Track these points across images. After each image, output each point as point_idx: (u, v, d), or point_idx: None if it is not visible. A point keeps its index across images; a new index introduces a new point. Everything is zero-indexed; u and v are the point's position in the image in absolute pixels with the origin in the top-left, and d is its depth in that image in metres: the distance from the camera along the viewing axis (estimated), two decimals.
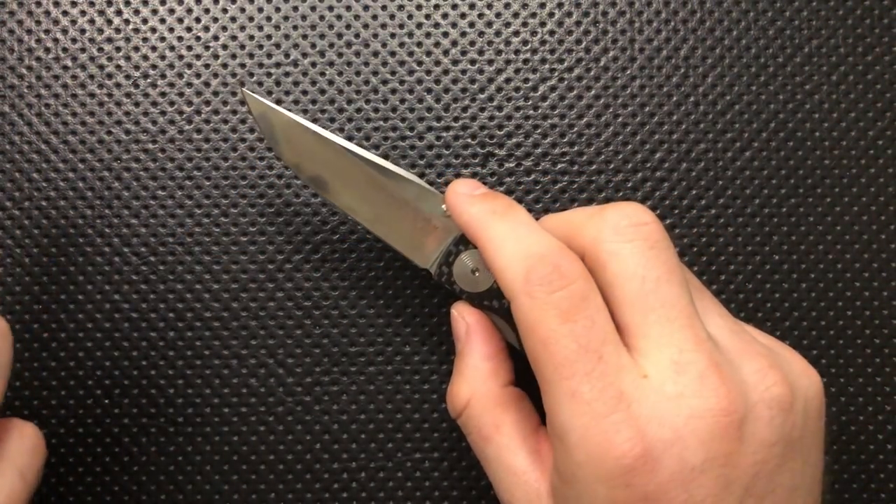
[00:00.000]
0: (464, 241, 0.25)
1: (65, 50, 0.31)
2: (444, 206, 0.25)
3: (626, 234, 0.21)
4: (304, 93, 0.31)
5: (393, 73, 0.31)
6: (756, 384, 0.20)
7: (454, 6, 0.31)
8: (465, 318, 0.25)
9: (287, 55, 0.31)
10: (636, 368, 0.20)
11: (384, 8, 0.31)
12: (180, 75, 0.31)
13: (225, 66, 0.31)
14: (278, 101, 0.31)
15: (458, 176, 0.31)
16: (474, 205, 0.24)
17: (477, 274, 0.25)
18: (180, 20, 0.31)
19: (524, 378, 0.24)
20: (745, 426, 0.20)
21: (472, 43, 0.31)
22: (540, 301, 0.21)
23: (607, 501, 0.20)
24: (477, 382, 0.24)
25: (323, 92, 0.31)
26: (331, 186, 0.26)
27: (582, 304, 0.20)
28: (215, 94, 0.31)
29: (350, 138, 0.31)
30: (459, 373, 0.25)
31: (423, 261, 0.26)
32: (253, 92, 0.31)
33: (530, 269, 0.21)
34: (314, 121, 0.31)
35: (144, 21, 0.31)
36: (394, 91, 0.31)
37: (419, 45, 0.31)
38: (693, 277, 0.24)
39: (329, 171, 0.26)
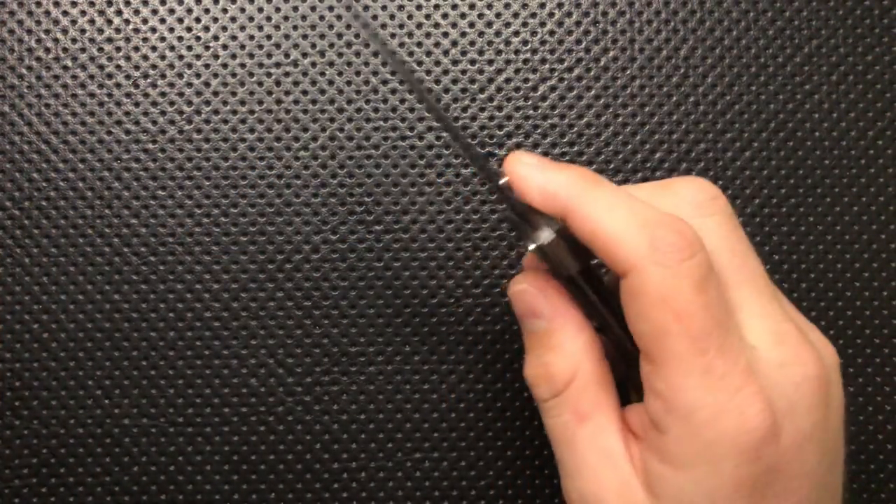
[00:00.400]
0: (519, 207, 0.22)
1: (65, 50, 0.31)
2: (502, 181, 0.22)
3: (707, 209, 0.21)
4: (305, 93, 0.31)
5: (393, 73, 0.31)
6: (827, 351, 0.21)
7: (454, 6, 0.31)
8: (544, 292, 0.22)
9: (287, 55, 0.31)
10: (748, 341, 0.20)
11: (384, 8, 0.31)
12: (180, 75, 0.31)
13: (225, 66, 0.31)
14: (278, 102, 0.31)
15: (457, 176, 0.31)
16: (556, 176, 0.21)
17: (544, 230, 0.22)
18: (180, 20, 0.31)
19: None
20: (831, 391, 0.20)
21: (472, 43, 0.31)
22: (673, 270, 0.19)
23: (733, 479, 0.19)
24: (580, 356, 0.22)
25: (323, 92, 0.31)
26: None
27: (710, 274, 0.20)
28: (215, 94, 0.31)
29: (350, 138, 0.31)
30: (553, 348, 0.22)
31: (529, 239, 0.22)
32: (257, 88, 0.31)
33: (655, 236, 0.19)
34: (314, 121, 0.31)
35: (144, 21, 0.31)
36: (394, 91, 0.31)
37: (419, 45, 0.31)
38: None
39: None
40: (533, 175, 0.21)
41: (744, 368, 0.19)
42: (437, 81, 0.31)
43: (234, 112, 0.31)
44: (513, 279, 0.23)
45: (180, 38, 0.31)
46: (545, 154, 0.31)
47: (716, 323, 0.19)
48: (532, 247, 0.22)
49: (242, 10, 0.31)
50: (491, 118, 0.31)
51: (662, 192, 0.21)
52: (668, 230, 0.19)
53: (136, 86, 0.31)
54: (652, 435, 0.20)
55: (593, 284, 0.22)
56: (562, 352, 0.22)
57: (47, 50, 0.31)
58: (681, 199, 0.21)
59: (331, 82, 0.31)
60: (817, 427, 0.20)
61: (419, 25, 0.31)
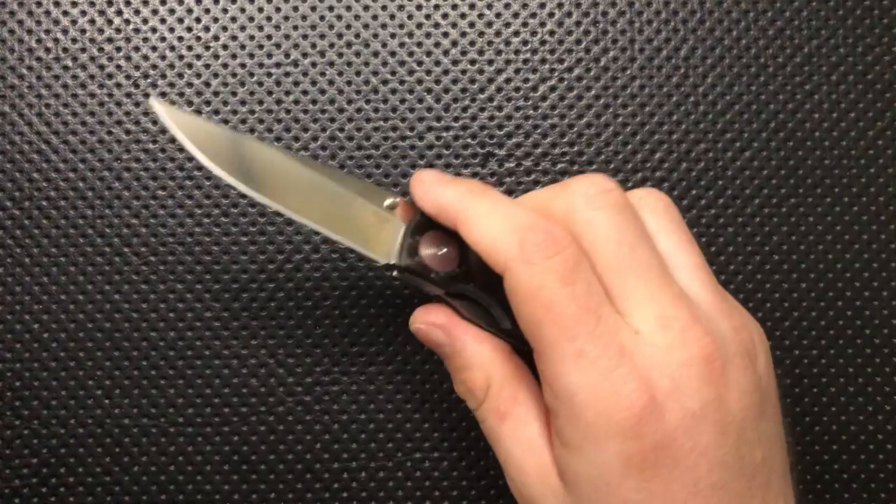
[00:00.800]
0: (418, 230, 0.24)
1: (65, 50, 0.31)
2: (387, 201, 0.25)
3: (597, 202, 0.22)
4: (305, 93, 0.31)
5: (393, 73, 0.31)
6: (733, 338, 0.22)
7: (454, 6, 0.31)
8: (434, 321, 0.25)
9: (287, 55, 0.31)
10: (629, 326, 0.21)
11: (384, 8, 0.31)
12: (180, 75, 0.31)
13: (225, 66, 0.31)
14: (278, 102, 0.31)
15: (458, 175, 0.31)
16: (447, 187, 0.24)
17: (444, 251, 0.24)
18: (180, 20, 0.31)
19: None
20: (727, 373, 0.21)
21: (472, 43, 0.31)
22: (539, 267, 0.21)
23: (619, 458, 0.20)
24: (487, 365, 0.24)
25: (323, 92, 0.31)
26: (273, 192, 0.25)
27: (577, 267, 0.21)
28: (216, 94, 0.31)
29: (350, 138, 0.31)
30: (463, 366, 0.24)
31: (383, 255, 0.25)
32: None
33: (524, 238, 0.21)
34: (314, 121, 0.31)
35: (145, 21, 0.31)
36: (394, 91, 0.31)
37: (419, 45, 0.31)
38: (687, 231, 0.24)
39: (269, 176, 0.25)
40: (428, 191, 0.24)
41: (616, 351, 0.20)
42: (438, 81, 0.31)
43: (234, 112, 0.31)
44: (410, 317, 0.25)
45: (180, 38, 0.31)
46: (545, 154, 0.31)
47: (585, 311, 0.21)
48: (390, 261, 0.24)
49: (242, 10, 0.31)
50: (491, 118, 0.31)
51: (559, 191, 0.23)
52: (536, 232, 0.21)
53: (137, 86, 0.31)
54: (552, 420, 0.22)
55: (478, 296, 0.24)
56: (471, 366, 0.24)
57: (48, 50, 0.31)
58: (574, 194, 0.22)
59: (331, 82, 0.31)
60: (709, 406, 0.20)
61: (419, 25, 0.31)
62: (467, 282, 0.24)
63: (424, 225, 0.24)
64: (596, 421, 0.20)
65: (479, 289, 0.24)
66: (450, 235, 0.24)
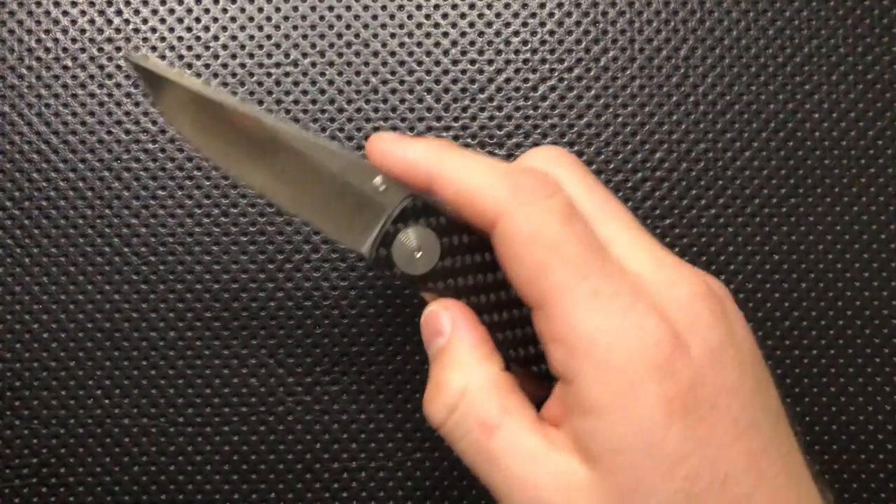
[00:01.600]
0: (403, 219, 0.22)
1: (65, 50, 0.31)
2: (377, 180, 0.22)
3: (556, 162, 0.22)
4: (305, 93, 0.31)
5: (393, 73, 0.31)
6: (711, 279, 0.21)
7: (454, 6, 0.31)
8: (447, 309, 0.22)
9: (287, 55, 0.31)
10: (629, 268, 0.20)
11: (384, 8, 0.31)
12: None
13: (225, 66, 0.31)
14: (278, 102, 0.31)
15: None
16: (415, 143, 0.22)
17: (419, 255, 0.23)
18: (180, 20, 0.31)
19: None
20: (725, 307, 0.20)
21: (472, 43, 0.31)
22: (539, 207, 0.20)
23: (660, 403, 0.18)
24: (473, 368, 0.21)
25: (323, 92, 0.31)
26: (239, 164, 0.22)
27: (574, 209, 0.20)
28: None
29: (350, 139, 0.31)
30: (447, 365, 0.22)
31: (354, 243, 0.23)
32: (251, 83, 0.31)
33: (516, 181, 0.20)
34: (314, 121, 0.31)
35: (144, 21, 0.31)
36: (394, 91, 0.31)
37: (419, 45, 0.31)
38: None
39: (237, 145, 0.22)
40: (393, 149, 0.22)
41: (631, 287, 0.19)
42: (437, 81, 0.31)
43: None
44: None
45: (180, 38, 0.31)
46: None
47: (591, 249, 0.19)
48: (362, 249, 0.23)
49: (242, 10, 0.31)
50: (491, 118, 0.31)
51: (519, 163, 0.22)
52: (527, 175, 0.20)
53: (136, 86, 0.31)
54: (568, 399, 0.19)
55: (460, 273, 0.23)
56: (451, 368, 0.22)
57: (47, 50, 0.31)
58: (535, 160, 0.22)
59: (331, 82, 0.31)
60: (725, 341, 0.19)
61: (419, 25, 0.31)
62: (445, 280, 0.23)
63: (406, 216, 0.23)
64: (626, 365, 0.18)
65: (456, 292, 0.23)
66: (430, 234, 0.23)
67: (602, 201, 0.21)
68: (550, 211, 0.20)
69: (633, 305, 0.19)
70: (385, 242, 0.23)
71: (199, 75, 0.31)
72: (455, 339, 0.22)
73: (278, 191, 0.23)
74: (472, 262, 0.22)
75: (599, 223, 0.21)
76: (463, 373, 0.21)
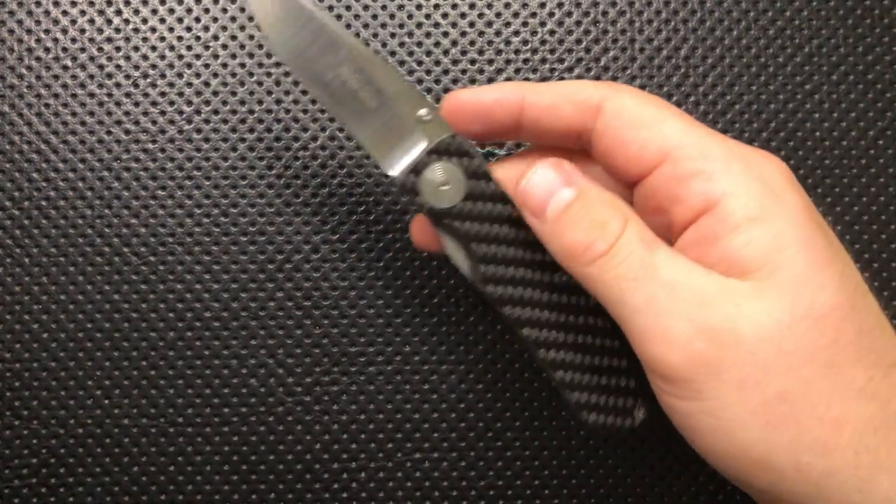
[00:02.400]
0: (437, 152, 0.24)
1: (64, 50, 0.31)
2: (423, 111, 0.24)
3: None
4: (305, 92, 0.31)
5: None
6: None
7: (454, 6, 0.31)
8: (562, 165, 0.22)
9: None
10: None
11: (384, 8, 0.31)
12: (180, 75, 0.31)
13: (225, 66, 0.31)
14: (278, 102, 0.31)
15: None
16: (496, 86, 0.24)
17: (446, 188, 0.24)
18: (180, 20, 0.31)
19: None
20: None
21: (472, 43, 0.31)
22: (642, 92, 0.23)
23: (802, 205, 0.21)
24: (621, 204, 0.22)
25: None
26: (315, 62, 0.24)
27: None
28: (215, 93, 0.31)
29: (350, 138, 0.31)
30: (595, 206, 0.21)
31: (387, 165, 0.24)
32: (259, 87, 0.31)
33: (611, 84, 0.23)
34: (314, 121, 0.31)
35: (144, 21, 0.31)
36: None
37: (419, 45, 0.31)
38: None
39: (316, 46, 0.24)
40: (478, 91, 0.24)
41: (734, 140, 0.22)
42: (437, 81, 0.31)
43: (234, 112, 0.31)
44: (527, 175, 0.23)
45: (180, 38, 0.31)
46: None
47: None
48: (393, 172, 0.24)
49: (242, 9, 0.31)
50: None
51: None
52: (619, 84, 0.23)
53: (136, 85, 0.31)
54: (712, 226, 0.21)
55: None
56: (607, 203, 0.22)
57: (47, 50, 0.31)
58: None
59: None
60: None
61: (419, 25, 0.31)
62: (463, 220, 0.24)
63: (441, 152, 0.24)
64: (768, 178, 0.21)
65: (471, 235, 0.24)
66: (460, 170, 0.24)
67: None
68: (650, 95, 0.22)
69: (749, 144, 0.22)
70: (416, 170, 0.24)
71: (198, 75, 0.31)
72: (589, 186, 0.22)
73: (335, 97, 0.24)
74: (493, 210, 0.24)
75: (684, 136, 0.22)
76: (619, 206, 0.22)
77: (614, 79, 0.31)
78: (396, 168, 0.24)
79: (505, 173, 0.24)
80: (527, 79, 0.31)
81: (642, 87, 0.31)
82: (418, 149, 0.24)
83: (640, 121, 0.22)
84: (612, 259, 0.21)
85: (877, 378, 0.19)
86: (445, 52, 0.31)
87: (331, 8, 0.31)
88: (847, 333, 0.19)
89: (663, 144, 0.21)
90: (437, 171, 0.24)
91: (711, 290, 0.20)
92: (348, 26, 0.31)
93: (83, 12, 0.31)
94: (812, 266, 0.20)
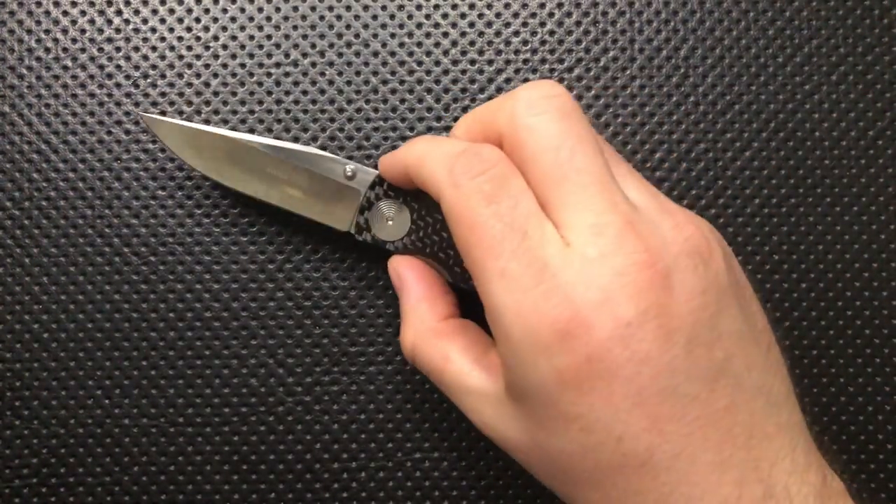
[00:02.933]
0: (369, 197, 0.27)
1: (65, 50, 0.31)
2: (347, 168, 0.27)
3: (538, 107, 0.22)
4: (305, 93, 0.31)
5: (393, 73, 0.31)
6: (675, 238, 0.21)
7: (454, 6, 0.31)
8: (396, 269, 0.27)
9: (287, 55, 0.31)
10: (559, 239, 0.21)
11: (384, 8, 0.31)
12: (180, 75, 0.31)
13: (225, 66, 0.31)
14: (278, 102, 0.31)
15: None
16: (399, 150, 0.26)
17: (391, 223, 0.27)
18: (180, 20, 0.31)
19: (473, 312, 0.26)
20: (671, 277, 0.20)
21: (472, 43, 0.31)
22: (464, 188, 0.21)
23: (552, 373, 0.20)
24: (417, 322, 0.26)
25: (323, 92, 0.31)
26: (239, 180, 0.28)
27: (504, 184, 0.21)
28: (215, 94, 0.31)
29: (350, 138, 0.31)
30: (402, 319, 0.27)
31: (342, 225, 0.28)
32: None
33: (452, 164, 0.22)
34: (314, 121, 0.31)
35: (144, 21, 0.31)
36: (394, 91, 0.31)
37: (419, 45, 0.31)
38: (609, 147, 0.24)
39: (233, 165, 0.28)
40: (385, 161, 0.26)
41: (539, 268, 0.20)
42: (437, 81, 0.31)
43: (234, 112, 0.31)
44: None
45: (180, 38, 0.31)
46: None
47: (509, 228, 0.21)
48: (348, 229, 0.28)
49: (242, 10, 0.31)
50: None
51: (504, 99, 0.23)
52: (464, 156, 0.22)
53: (137, 86, 0.31)
54: (497, 342, 0.22)
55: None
56: (404, 323, 0.26)
57: (47, 50, 0.31)
58: (517, 102, 0.22)
59: (331, 82, 0.31)
60: (648, 313, 0.20)
61: (419, 25, 0.31)
62: (422, 240, 0.27)
63: (376, 194, 0.27)
64: (523, 339, 0.20)
65: (430, 252, 0.27)
66: (398, 203, 0.27)
67: (568, 156, 0.21)
68: (475, 191, 0.21)
69: (536, 286, 0.20)
70: (364, 220, 0.27)
71: (198, 75, 0.31)
72: (403, 295, 0.27)
73: (271, 195, 0.28)
74: (442, 224, 0.26)
75: (553, 184, 0.21)
76: (411, 329, 0.26)
77: (614, 79, 0.31)
78: (347, 223, 0.28)
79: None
80: (526, 80, 0.31)
81: (642, 87, 0.31)
82: (357, 199, 0.27)
83: (455, 236, 0.22)
84: (419, 369, 0.26)
85: None
86: (445, 53, 0.31)
87: (331, 8, 0.31)
88: None
89: (467, 267, 0.23)
90: (381, 210, 0.27)
91: (485, 410, 0.24)
92: (348, 27, 0.31)
93: (84, 13, 0.31)
94: (549, 420, 0.21)
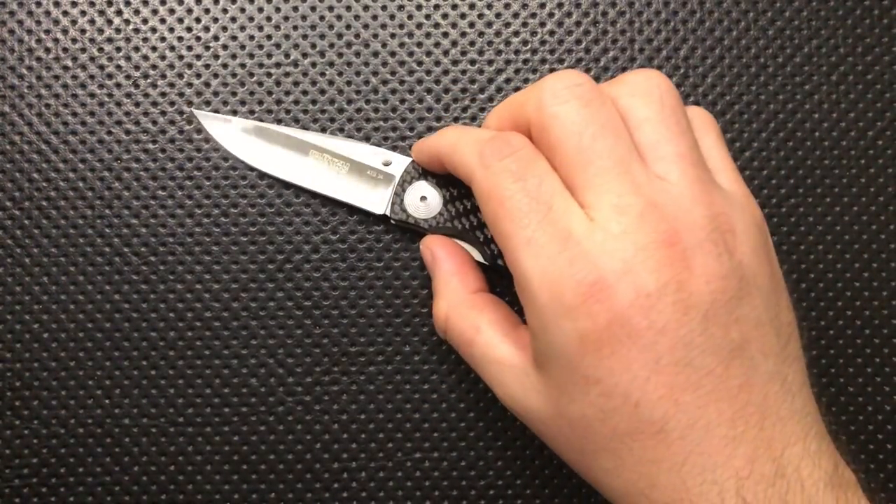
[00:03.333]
0: (404, 181, 0.29)
1: (65, 50, 0.31)
2: (385, 157, 0.30)
3: (562, 96, 0.23)
4: (305, 93, 0.31)
5: (393, 73, 0.31)
6: (703, 223, 0.22)
7: (454, 6, 0.31)
8: (429, 247, 0.28)
9: (287, 55, 0.31)
10: (584, 215, 0.22)
11: (384, 8, 0.31)
12: (180, 75, 0.31)
13: (225, 66, 0.31)
14: (278, 102, 0.31)
15: None
16: (430, 138, 0.28)
17: (424, 204, 0.29)
18: (180, 20, 0.31)
19: (501, 288, 0.29)
20: (693, 258, 0.21)
21: (472, 43, 0.31)
22: (494, 168, 0.23)
23: (576, 336, 0.21)
24: (450, 295, 0.27)
25: (323, 92, 0.31)
26: (284, 168, 0.30)
27: (530, 165, 0.23)
28: (216, 94, 0.31)
29: (350, 138, 0.31)
30: (435, 293, 0.28)
31: (379, 208, 0.30)
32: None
33: (482, 149, 0.24)
34: (314, 121, 0.31)
35: (145, 21, 0.31)
36: (394, 91, 0.31)
37: (419, 45, 0.31)
38: (698, 118, 0.25)
39: (279, 156, 0.31)
40: (418, 149, 0.28)
41: (564, 237, 0.22)
42: (438, 81, 0.31)
43: (235, 112, 0.31)
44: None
45: (180, 38, 0.31)
46: None
47: (535, 201, 0.22)
48: (385, 212, 0.30)
49: (242, 10, 0.31)
50: None
51: (531, 90, 0.24)
52: (492, 141, 0.24)
53: (137, 86, 0.31)
54: (525, 310, 0.23)
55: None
56: (437, 296, 0.28)
57: (48, 50, 0.31)
58: (542, 91, 0.23)
59: (331, 82, 0.31)
60: (668, 287, 0.21)
61: (419, 25, 0.31)
62: (454, 220, 0.28)
63: (412, 177, 0.29)
64: (549, 303, 0.21)
65: (461, 230, 0.28)
66: (431, 185, 0.29)
67: (591, 140, 0.22)
68: (504, 170, 0.23)
69: (561, 252, 0.21)
70: (399, 202, 0.29)
71: (198, 75, 0.31)
72: (436, 271, 0.28)
73: (316, 182, 0.30)
74: (472, 204, 0.28)
75: (578, 168, 0.22)
76: (444, 301, 0.27)
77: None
78: (384, 207, 0.30)
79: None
80: (527, 80, 0.31)
81: None
82: (392, 184, 0.29)
83: (485, 213, 0.24)
84: (449, 342, 0.27)
85: None
86: (445, 53, 0.31)
87: (331, 8, 0.31)
88: None
89: (497, 241, 0.24)
90: (415, 192, 0.29)
91: (510, 381, 0.25)
92: (348, 27, 0.31)
93: (84, 13, 0.31)
94: (570, 384, 0.22)
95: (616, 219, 0.21)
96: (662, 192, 0.22)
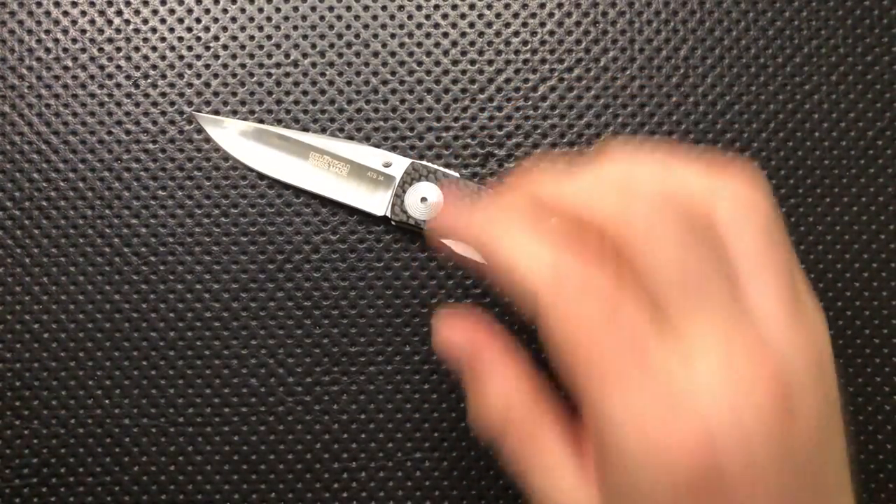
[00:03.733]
0: (404, 182, 0.29)
1: (65, 50, 0.31)
2: (385, 159, 0.30)
3: (660, 214, 0.19)
4: (305, 93, 0.31)
5: (393, 73, 0.31)
6: (802, 359, 0.19)
7: (454, 6, 0.31)
8: (461, 333, 0.23)
9: (287, 55, 0.31)
10: (682, 357, 0.19)
11: (384, 8, 0.31)
12: (181, 75, 0.31)
13: (225, 66, 0.31)
14: (278, 102, 0.31)
15: (458, 174, 0.31)
16: (459, 219, 0.23)
17: (426, 201, 0.29)
18: (181, 20, 0.31)
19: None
20: (796, 404, 0.19)
21: (472, 43, 0.31)
22: (574, 311, 0.19)
23: (670, 486, 0.18)
24: (507, 387, 0.22)
25: (323, 92, 0.31)
26: (284, 170, 0.31)
27: (620, 302, 0.19)
28: (216, 94, 0.31)
29: (350, 138, 0.31)
30: (483, 390, 0.23)
31: (379, 210, 0.30)
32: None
33: (557, 272, 0.19)
34: (314, 122, 0.31)
35: (145, 21, 0.31)
36: (394, 91, 0.31)
37: (419, 45, 0.31)
38: (775, 241, 0.21)
39: (280, 158, 0.31)
40: (454, 224, 0.23)
41: (665, 381, 0.19)
42: (438, 81, 0.31)
43: (235, 112, 0.31)
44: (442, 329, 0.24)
45: (181, 39, 0.31)
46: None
47: (629, 343, 0.19)
48: (385, 213, 0.30)
49: (242, 10, 0.31)
50: (491, 118, 0.31)
51: (612, 188, 0.20)
52: (574, 267, 0.19)
53: (137, 86, 0.31)
54: (594, 453, 0.20)
55: None
56: (490, 393, 0.22)
57: (48, 50, 0.31)
58: (632, 198, 0.20)
59: (331, 82, 0.31)
60: (773, 443, 0.19)
61: (419, 25, 0.31)
62: None
63: (412, 178, 0.29)
64: (641, 450, 0.18)
65: None
66: (432, 186, 0.29)
67: (697, 279, 0.19)
68: (586, 315, 0.19)
69: (659, 400, 0.18)
70: (400, 203, 0.29)
71: (199, 75, 0.31)
72: (485, 366, 0.22)
73: (317, 185, 0.30)
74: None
75: (678, 297, 0.19)
76: (503, 400, 0.22)
77: (613, 79, 0.31)
78: (385, 208, 0.30)
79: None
80: (526, 80, 0.31)
81: (641, 87, 0.31)
82: (392, 189, 0.30)
83: (560, 355, 0.20)
84: (499, 443, 0.22)
85: None
86: (445, 53, 0.31)
87: (331, 8, 0.31)
88: None
89: (575, 388, 0.20)
90: (415, 192, 0.29)
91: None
92: (348, 27, 0.31)
93: (84, 13, 0.31)
94: None
95: (721, 370, 0.18)
96: (761, 328, 0.19)
